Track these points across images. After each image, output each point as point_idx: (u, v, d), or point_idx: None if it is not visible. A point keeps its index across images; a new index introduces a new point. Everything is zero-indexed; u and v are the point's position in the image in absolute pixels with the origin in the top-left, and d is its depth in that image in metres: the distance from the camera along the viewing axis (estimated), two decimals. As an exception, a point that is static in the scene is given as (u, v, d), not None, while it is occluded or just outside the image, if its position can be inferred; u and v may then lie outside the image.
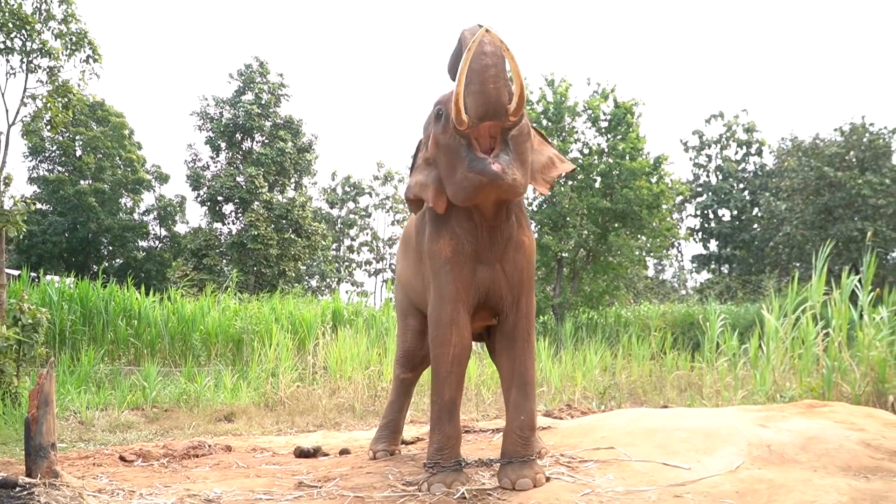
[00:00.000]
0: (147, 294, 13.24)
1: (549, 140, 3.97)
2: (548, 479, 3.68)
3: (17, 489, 3.12)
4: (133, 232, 29.83)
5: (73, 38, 9.89)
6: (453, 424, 3.82)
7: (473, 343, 4.26)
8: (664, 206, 20.63)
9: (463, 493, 3.51)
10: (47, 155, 28.70)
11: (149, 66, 68.65)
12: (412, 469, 4.11)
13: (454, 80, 3.44)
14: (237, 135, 26.56)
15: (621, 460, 3.93)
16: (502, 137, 3.44)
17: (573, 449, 4.23)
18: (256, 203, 25.60)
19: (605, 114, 20.48)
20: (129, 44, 67.11)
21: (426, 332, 4.21)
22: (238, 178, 25.91)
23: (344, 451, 5.02)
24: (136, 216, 31.05)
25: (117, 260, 29.83)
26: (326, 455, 4.99)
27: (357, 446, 5.26)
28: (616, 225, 20.10)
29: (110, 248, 29.92)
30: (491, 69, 3.28)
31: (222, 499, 3.53)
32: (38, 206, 27.22)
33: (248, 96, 26.54)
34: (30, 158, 28.56)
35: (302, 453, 4.92)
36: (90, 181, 28.63)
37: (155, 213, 31.53)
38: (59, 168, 28.84)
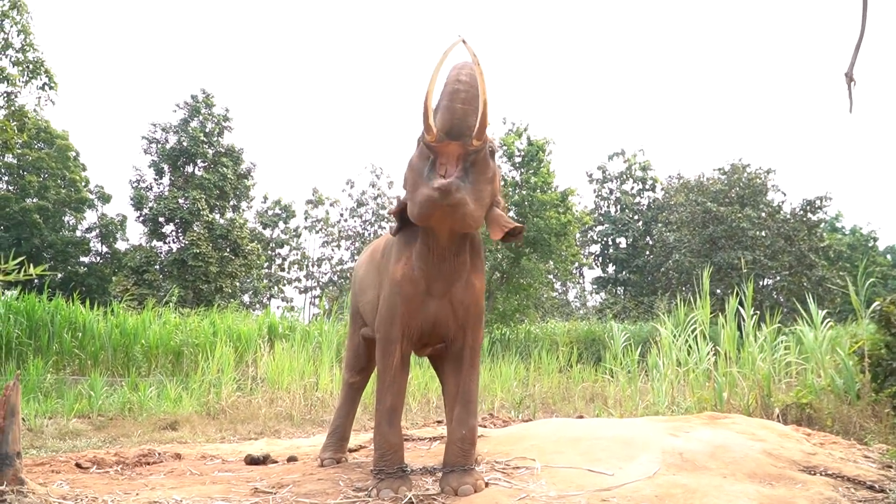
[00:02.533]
0: (91, 307, 12.78)
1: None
2: (487, 485, 3.68)
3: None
4: (75, 248, 28.85)
5: (31, 66, 9.54)
6: (394, 431, 3.77)
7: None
8: (571, 235, 21.01)
9: (410, 499, 3.48)
10: (-7, 174, 27.64)
11: (93, 91, 66.58)
12: (360, 476, 4.06)
13: None
14: (181, 159, 26.06)
15: (551, 467, 3.95)
16: (463, 164, 3.36)
17: (506, 456, 4.24)
18: (197, 224, 25.13)
19: (519, 150, 20.78)
20: (74, 68, 65.02)
21: (372, 340, 4.24)
22: (181, 200, 25.39)
23: (292, 458, 4.92)
24: (78, 233, 30.01)
25: (59, 275, 28.73)
26: (276, 462, 4.87)
27: (302, 453, 5.16)
28: (528, 250, 20.34)
29: (52, 262, 28.82)
30: (462, 92, 3.26)
31: (182, 505, 3.41)
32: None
33: (194, 124, 26.10)
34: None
35: (252, 461, 4.80)
36: (35, 199, 27.62)
37: (97, 230, 30.51)
38: (2, 186, 27.76)
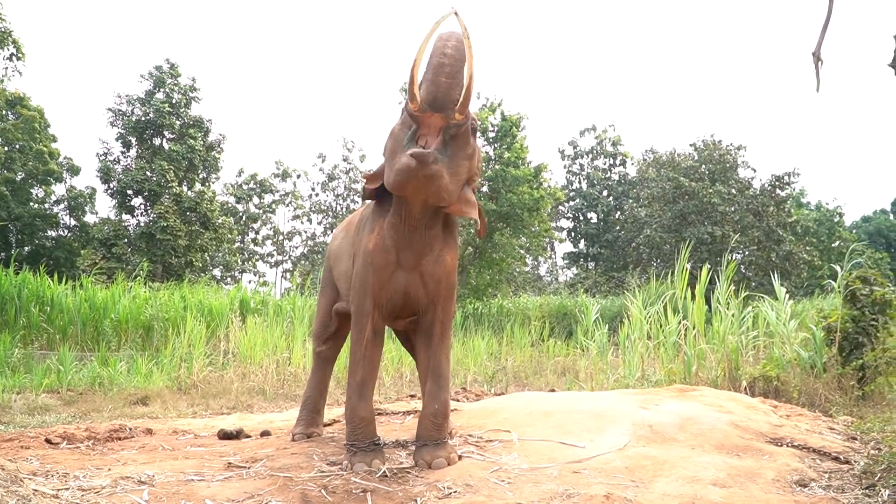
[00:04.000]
0: (59, 282, 12.61)
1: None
2: (460, 458, 3.71)
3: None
4: (43, 221, 28.36)
5: (-1, 37, 9.29)
6: (364, 405, 3.77)
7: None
8: (543, 210, 21.05)
9: (384, 472, 3.49)
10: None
11: (62, 61, 65.11)
12: (334, 450, 4.06)
13: None
14: (148, 131, 25.62)
15: (523, 440, 3.99)
16: (443, 137, 3.36)
17: (479, 430, 4.27)
18: (166, 196, 24.78)
19: (493, 125, 20.72)
20: (42, 38, 63.52)
21: (345, 312, 4.30)
22: (148, 173, 25.00)
23: (265, 433, 4.90)
24: (46, 206, 29.49)
25: (26, 248, 28.24)
26: (249, 437, 4.85)
27: (275, 428, 5.14)
28: (501, 225, 20.34)
29: (19, 236, 28.33)
30: (447, 66, 3.27)
31: (155, 480, 3.39)
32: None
33: (160, 95, 25.63)
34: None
35: (225, 435, 4.77)
36: (2, 171, 27.04)
37: (65, 203, 29.99)
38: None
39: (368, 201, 4.03)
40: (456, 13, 3.33)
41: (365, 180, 3.84)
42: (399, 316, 3.94)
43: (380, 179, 3.72)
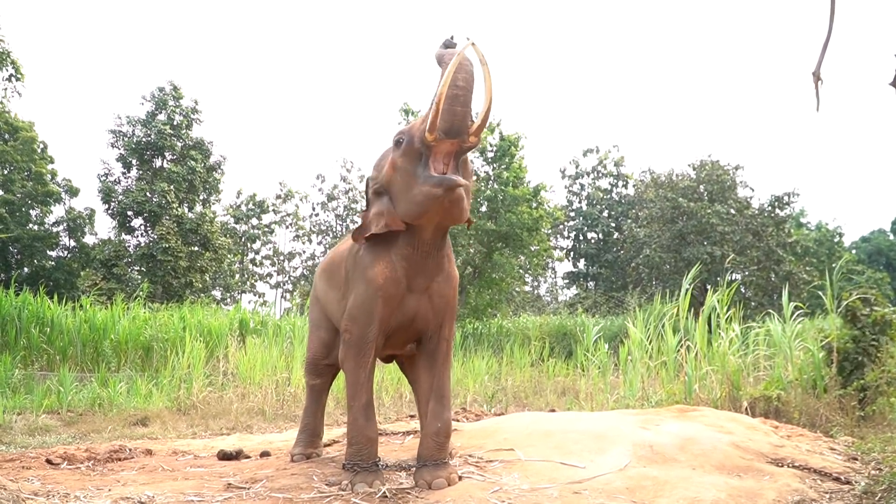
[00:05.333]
0: (59, 302, 12.61)
1: None
2: (461, 478, 3.70)
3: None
4: (42, 242, 28.36)
5: (-3, 57, 9.36)
6: (371, 426, 3.82)
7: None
8: (542, 230, 21.08)
9: (384, 492, 3.49)
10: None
11: (62, 83, 65.44)
12: (334, 470, 4.05)
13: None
14: (148, 152, 25.70)
15: (524, 460, 3.99)
16: (455, 161, 3.46)
17: (479, 450, 4.27)
18: (167, 217, 24.81)
19: (491, 145, 20.79)
20: (40, 58, 63.93)
21: (332, 345, 4.39)
22: (149, 194, 25.06)
23: (265, 454, 4.90)
24: (45, 227, 29.50)
25: (25, 269, 28.22)
26: (248, 457, 4.84)
27: (275, 448, 5.14)
28: (500, 245, 20.35)
29: (18, 257, 28.32)
30: (461, 97, 3.35)
31: (155, 501, 3.39)
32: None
33: (161, 117, 25.73)
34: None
35: (225, 456, 4.77)
36: (0, 192, 27.09)
37: (64, 224, 30.00)
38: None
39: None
40: (473, 44, 3.40)
41: (358, 236, 3.86)
42: (403, 341, 3.97)
43: (369, 230, 3.76)
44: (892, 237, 43.05)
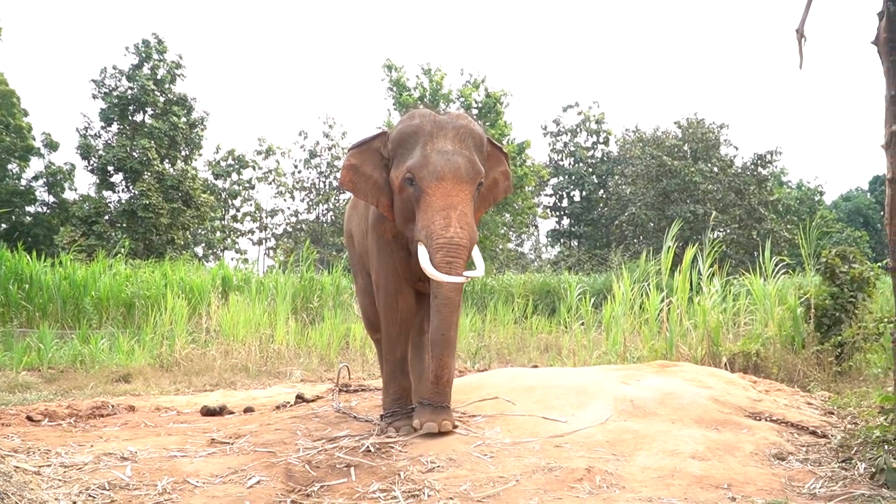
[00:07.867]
0: (38, 259, 12.48)
1: None
2: (455, 427, 3.72)
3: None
4: (20, 197, 27.97)
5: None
6: (406, 377, 4.07)
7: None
8: (527, 188, 21.06)
9: (368, 446, 3.50)
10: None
11: (40, 34, 63.94)
12: (318, 425, 4.07)
13: None
14: (131, 107, 25.26)
15: (506, 415, 4.02)
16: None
17: (463, 405, 4.29)
18: (147, 174, 24.49)
19: (476, 102, 20.66)
20: (17, 6, 62.44)
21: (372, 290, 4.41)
22: (130, 149, 24.68)
23: (248, 409, 4.91)
24: (23, 182, 29.07)
25: (3, 224, 27.87)
26: (232, 413, 4.85)
27: (259, 404, 5.15)
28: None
29: (-4, 211, 27.99)
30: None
31: (138, 456, 3.39)
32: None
33: (145, 70, 25.24)
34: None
35: (208, 412, 4.77)
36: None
37: (43, 179, 29.57)
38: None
39: None
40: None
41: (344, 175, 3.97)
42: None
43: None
44: (870, 196, 43.35)
